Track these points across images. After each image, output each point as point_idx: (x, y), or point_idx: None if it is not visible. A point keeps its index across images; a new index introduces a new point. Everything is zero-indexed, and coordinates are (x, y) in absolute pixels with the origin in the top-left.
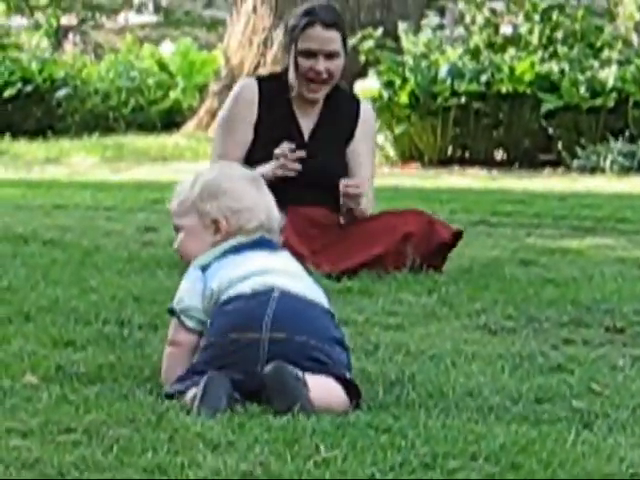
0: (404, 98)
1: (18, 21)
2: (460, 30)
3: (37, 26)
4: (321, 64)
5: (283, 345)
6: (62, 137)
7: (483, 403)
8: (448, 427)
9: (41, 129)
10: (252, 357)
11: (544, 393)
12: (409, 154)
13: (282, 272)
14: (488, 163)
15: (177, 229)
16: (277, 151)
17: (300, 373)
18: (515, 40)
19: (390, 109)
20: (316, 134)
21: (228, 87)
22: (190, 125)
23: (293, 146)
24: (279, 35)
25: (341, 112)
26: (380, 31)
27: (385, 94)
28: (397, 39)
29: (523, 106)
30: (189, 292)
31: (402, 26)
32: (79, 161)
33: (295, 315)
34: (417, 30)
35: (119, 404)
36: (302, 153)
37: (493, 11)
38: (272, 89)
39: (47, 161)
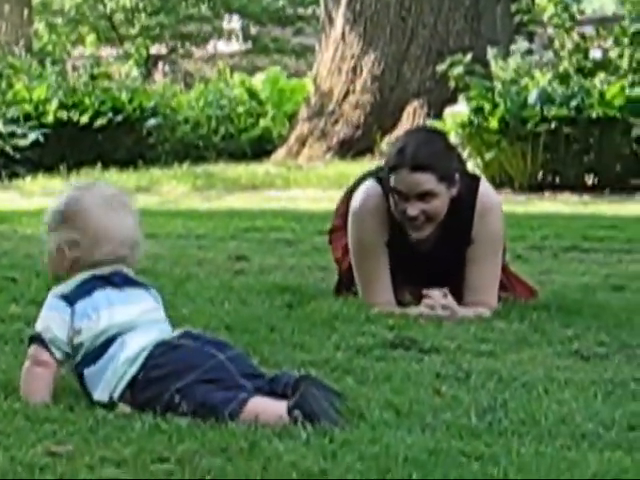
0: (494, 124)
1: (108, 51)
2: (549, 55)
3: (127, 56)
4: (414, 207)
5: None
6: (153, 166)
7: (576, 430)
8: (541, 454)
9: (132, 158)
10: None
11: (637, 420)
12: (499, 180)
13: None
14: (579, 188)
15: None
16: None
17: None
18: (605, 64)
19: (480, 135)
20: (432, 254)
21: (318, 114)
22: (280, 153)
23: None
24: (368, 62)
25: (460, 222)
26: (469, 57)
27: (475, 120)
28: (486, 65)
29: (614, 130)
30: (55, 322)
31: (491, 52)
32: (170, 190)
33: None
34: (506, 55)
35: (212, 433)
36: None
37: (582, 36)
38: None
39: (138, 190)
